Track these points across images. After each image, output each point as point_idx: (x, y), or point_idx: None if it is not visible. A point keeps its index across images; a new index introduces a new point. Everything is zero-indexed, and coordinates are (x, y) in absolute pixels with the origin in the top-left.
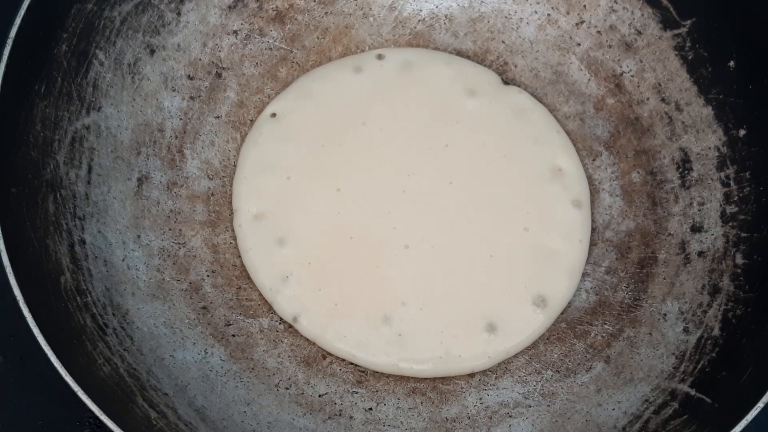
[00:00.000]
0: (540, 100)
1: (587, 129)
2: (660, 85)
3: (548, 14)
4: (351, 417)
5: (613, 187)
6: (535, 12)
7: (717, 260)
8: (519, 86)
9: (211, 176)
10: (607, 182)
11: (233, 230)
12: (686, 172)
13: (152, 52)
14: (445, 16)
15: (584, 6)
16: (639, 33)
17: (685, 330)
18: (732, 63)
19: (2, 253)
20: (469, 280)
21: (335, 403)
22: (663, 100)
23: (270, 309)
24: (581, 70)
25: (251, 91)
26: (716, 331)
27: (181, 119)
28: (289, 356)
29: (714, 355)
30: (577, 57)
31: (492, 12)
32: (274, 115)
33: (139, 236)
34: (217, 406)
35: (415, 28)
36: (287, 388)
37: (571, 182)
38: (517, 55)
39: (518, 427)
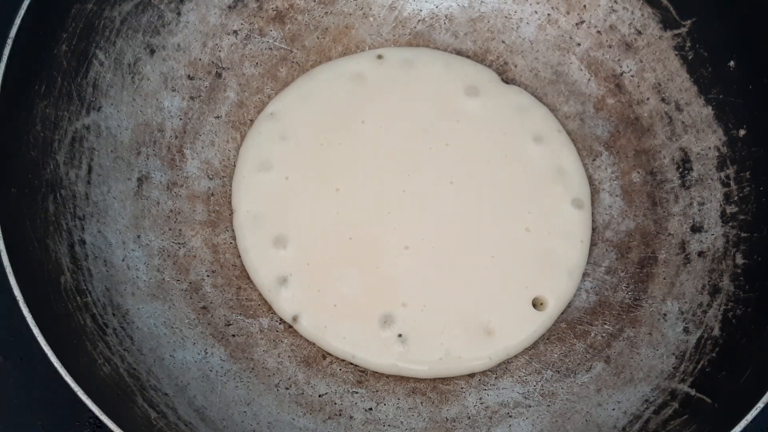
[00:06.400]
0: (540, 100)
1: (587, 129)
2: (660, 85)
3: (548, 14)
4: (351, 417)
5: (613, 187)
6: (535, 12)
7: (717, 260)
8: (519, 86)
9: (211, 176)
10: (607, 182)
11: (233, 230)
12: (686, 172)
13: (152, 52)
14: (445, 16)
15: (584, 6)
16: (639, 33)
17: (685, 330)
18: (732, 63)
19: (2, 253)
20: (470, 280)
21: (335, 403)
22: (663, 100)
23: (270, 309)
24: (581, 70)
25: (251, 91)
26: (716, 331)
27: (181, 119)
28: (289, 356)
29: (714, 355)
30: (577, 57)
31: (492, 12)
32: (273, 114)
33: (139, 236)
34: (217, 406)
35: (415, 28)
36: (287, 388)
37: (571, 182)
38: (517, 54)
39: (518, 427)
